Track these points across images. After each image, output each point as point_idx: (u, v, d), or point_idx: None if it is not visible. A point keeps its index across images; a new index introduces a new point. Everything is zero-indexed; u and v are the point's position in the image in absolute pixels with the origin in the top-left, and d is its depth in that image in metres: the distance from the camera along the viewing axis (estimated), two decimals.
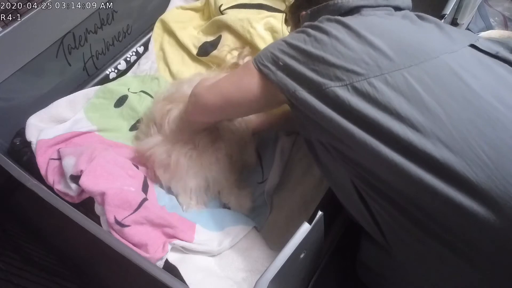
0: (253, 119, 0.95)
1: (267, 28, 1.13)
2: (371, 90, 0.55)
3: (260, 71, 0.65)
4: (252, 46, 1.12)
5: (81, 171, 0.82)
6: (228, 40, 1.15)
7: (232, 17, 1.15)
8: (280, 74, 0.63)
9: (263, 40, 1.10)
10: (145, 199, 0.81)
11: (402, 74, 0.55)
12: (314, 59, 0.60)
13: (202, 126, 0.88)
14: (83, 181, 0.80)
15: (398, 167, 0.53)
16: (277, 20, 1.16)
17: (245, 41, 1.13)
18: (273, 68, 0.64)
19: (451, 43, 0.60)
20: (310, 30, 0.64)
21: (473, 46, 0.62)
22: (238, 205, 0.91)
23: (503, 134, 0.50)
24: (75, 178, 0.84)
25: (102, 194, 0.79)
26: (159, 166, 0.91)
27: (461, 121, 0.52)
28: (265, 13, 1.20)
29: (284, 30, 0.98)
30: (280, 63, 0.63)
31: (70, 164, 0.86)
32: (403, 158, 0.53)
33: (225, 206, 0.93)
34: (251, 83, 0.67)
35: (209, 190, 0.91)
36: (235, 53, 1.13)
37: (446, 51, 0.59)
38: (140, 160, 0.96)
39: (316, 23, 0.65)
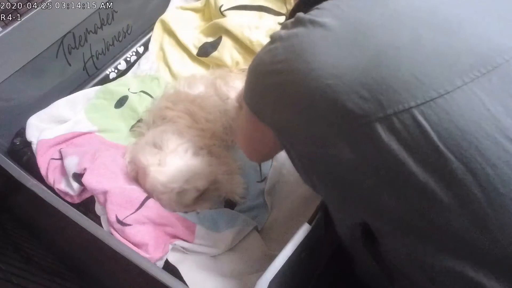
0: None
1: (268, 35, 1.12)
2: None
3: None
4: (253, 53, 1.11)
5: (85, 169, 0.82)
6: (228, 42, 1.15)
7: (233, 22, 1.15)
8: None
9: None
10: (147, 198, 0.81)
11: None
12: None
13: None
14: (87, 179, 0.80)
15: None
16: (279, 26, 1.16)
17: (245, 47, 1.13)
18: None
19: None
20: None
21: None
22: (231, 191, 0.90)
23: None
24: (78, 176, 0.84)
25: (105, 193, 0.79)
26: (128, 160, 0.88)
27: None
28: (266, 15, 1.19)
29: None
30: None
31: (73, 163, 0.87)
32: None
33: (225, 205, 0.92)
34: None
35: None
36: (236, 55, 1.13)
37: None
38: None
39: None
